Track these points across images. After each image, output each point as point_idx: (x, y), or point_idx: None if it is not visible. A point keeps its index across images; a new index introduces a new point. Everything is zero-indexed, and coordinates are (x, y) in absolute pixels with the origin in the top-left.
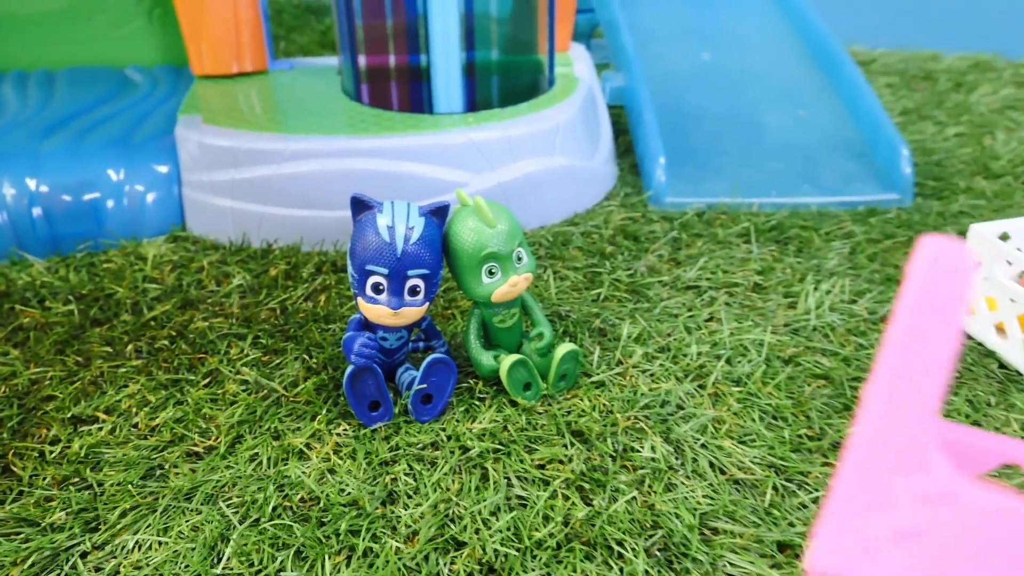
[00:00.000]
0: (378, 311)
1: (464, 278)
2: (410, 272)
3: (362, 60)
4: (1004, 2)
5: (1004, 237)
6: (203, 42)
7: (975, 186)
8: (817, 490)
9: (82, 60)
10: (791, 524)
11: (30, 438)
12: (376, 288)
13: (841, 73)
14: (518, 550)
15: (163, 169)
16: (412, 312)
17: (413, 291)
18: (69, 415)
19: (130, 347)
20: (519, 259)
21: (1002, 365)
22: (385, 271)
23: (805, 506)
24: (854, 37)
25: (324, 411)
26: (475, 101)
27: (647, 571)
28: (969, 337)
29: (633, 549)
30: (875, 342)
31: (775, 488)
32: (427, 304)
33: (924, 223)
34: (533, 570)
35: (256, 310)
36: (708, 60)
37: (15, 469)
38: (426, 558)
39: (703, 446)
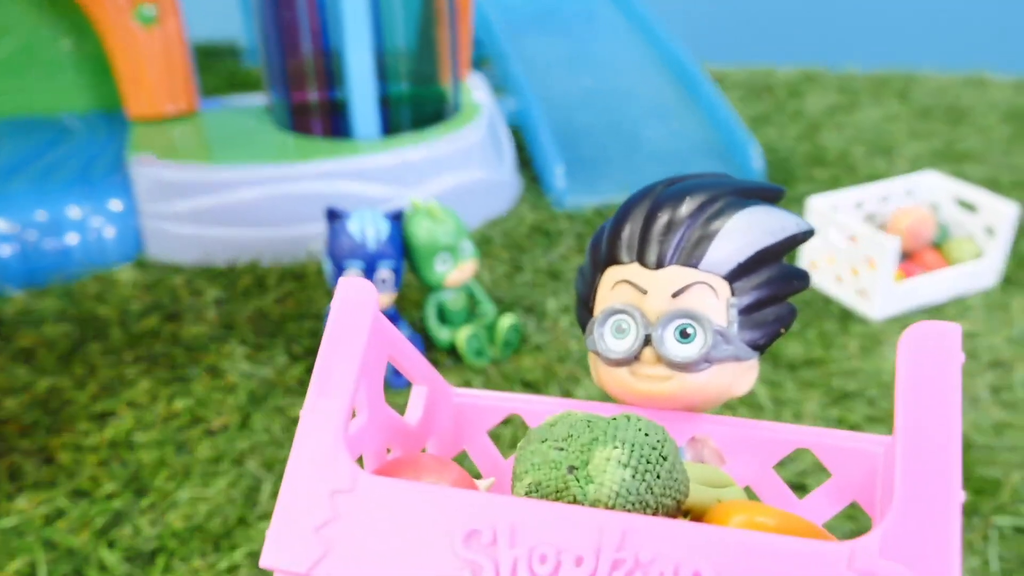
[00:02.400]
0: None
1: (422, 268)
2: (380, 265)
3: (290, 95)
4: (827, 20)
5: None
6: (140, 87)
7: (812, 175)
8: None
9: (18, 110)
10: None
11: (65, 433)
12: None
13: (701, 90)
14: None
15: (120, 203)
16: (383, 299)
17: (383, 281)
18: (93, 412)
19: (130, 355)
20: (464, 249)
21: (841, 307)
22: (361, 265)
23: None
24: (705, 57)
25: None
26: (390, 127)
27: None
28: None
29: None
30: None
31: None
32: (395, 292)
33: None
34: None
35: (235, 316)
36: (590, 84)
37: (59, 459)
38: None
39: None
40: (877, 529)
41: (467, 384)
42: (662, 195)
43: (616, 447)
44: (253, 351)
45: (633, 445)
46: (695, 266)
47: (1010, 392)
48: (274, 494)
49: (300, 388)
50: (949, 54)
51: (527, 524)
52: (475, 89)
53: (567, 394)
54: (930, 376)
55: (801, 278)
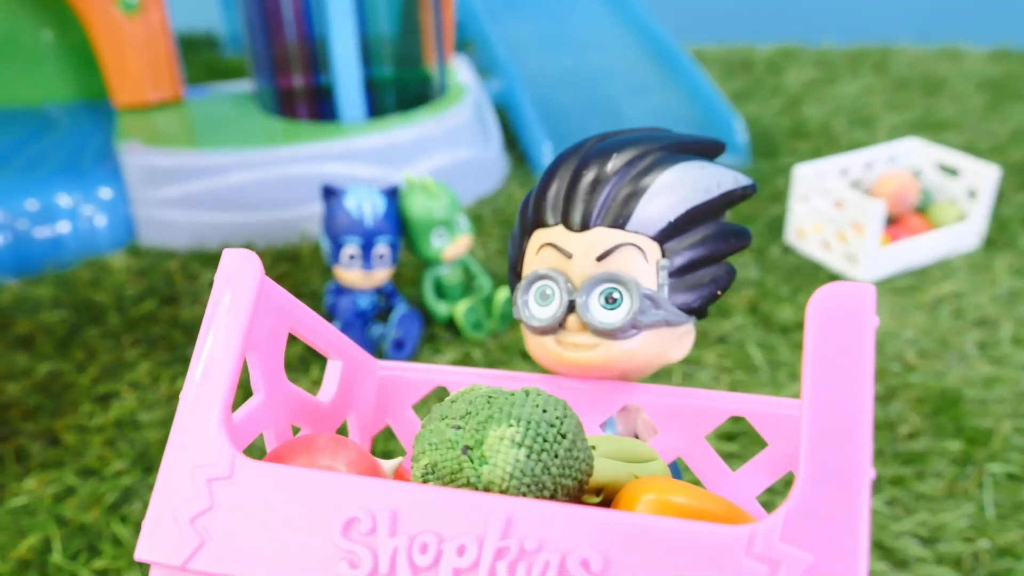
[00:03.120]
0: (352, 276)
1: (419, 243)
2: (377, 240)
3: (276, 81)
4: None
5: None
6: (125, 75)
7: (795, 147)
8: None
9: (0, 102)
10: None
11: (68, 415)
12: (350, 256)
13: (683, 67)
14: None
15: (110, 191)
16: (381, 274)
17: (380, 257)
18: (95, 394)
19: (128, 338)
20: (459, 223)
21: (830, 273)
22: (359, 241)
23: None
24: (684, 36)
25: (317, 364)
26: (376, 110)
27: None
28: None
29: None
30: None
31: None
32: (392, 267)
33: (761, 175)
34: None
35: None
36: (570, 64)
37: (64, 440)
38: None
39: None
40: (779, 511)
41: (467, 356)
42: (590, 152)
43: (511, 425)
44: None
45: (529, 423)
46: (622, 227)
47: (996, 348)
48: None
49: (301, 365)
50: (924, 27)
51: (408, 511)
52: (460, 71)
53: None
54: (839, 342)
55: (740, 236)
